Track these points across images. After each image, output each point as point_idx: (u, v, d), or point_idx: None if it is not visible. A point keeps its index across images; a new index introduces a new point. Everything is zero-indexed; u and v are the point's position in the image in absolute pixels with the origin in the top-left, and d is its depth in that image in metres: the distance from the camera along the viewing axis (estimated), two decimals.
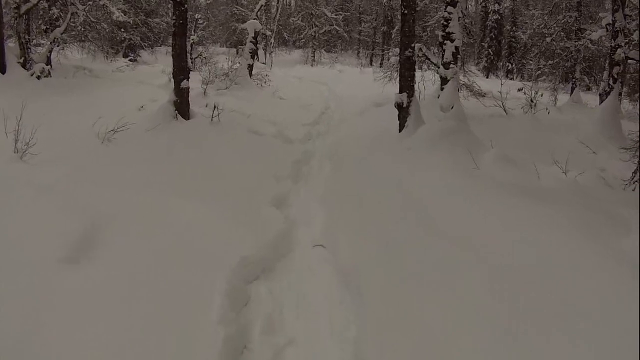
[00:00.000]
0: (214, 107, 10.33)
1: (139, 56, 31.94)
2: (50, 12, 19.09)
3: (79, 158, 7.45)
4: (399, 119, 10.01)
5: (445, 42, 12.21)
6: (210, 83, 16.83)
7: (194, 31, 25.91)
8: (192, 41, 25.13)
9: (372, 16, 50.92)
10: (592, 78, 26.58)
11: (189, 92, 10.97)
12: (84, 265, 4.38)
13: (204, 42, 29.51)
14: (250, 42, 19.30)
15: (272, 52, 36.61)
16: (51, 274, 4.16)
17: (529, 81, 29.28)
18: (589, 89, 27.27)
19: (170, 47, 11.17)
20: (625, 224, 5.16)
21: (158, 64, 27.83)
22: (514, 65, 43.15)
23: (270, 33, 34.53)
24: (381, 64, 43.51)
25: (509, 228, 5.03)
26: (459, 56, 12.55)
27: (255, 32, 19.35)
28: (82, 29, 19.63)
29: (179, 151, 8.42)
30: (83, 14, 18.08)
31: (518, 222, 5.15)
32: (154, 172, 7.11)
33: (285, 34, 48.07)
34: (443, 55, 12.29)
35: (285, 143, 10.99)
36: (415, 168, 7.43)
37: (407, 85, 9.87)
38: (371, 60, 48.17)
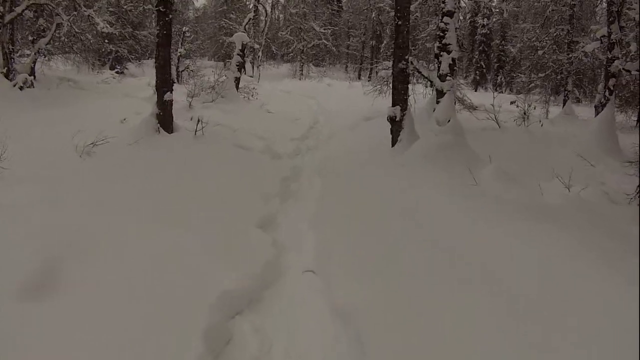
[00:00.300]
0: (198, 120, 9.87)
1: (126, 69, 31.64)
2: (38, 23, 18.73)
3: (53, 174, 6.96)
4: (391, 133, 9.60)
5: (441, 53, 11.80)
6: (196, 96, 16.44)
7: (182, 44, 25.59)
8: (179, 54, 24.82)
9: (361, 31, 50.83)
10: (582, 90, 26.42)
11: (172, 104, 10.54)
12: (41, 304, 3.83)
13: (191, 55, 29.17)
14: (238, 54, 18.80)
15: (260, 65, 36.22)
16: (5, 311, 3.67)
17: (519, 94, 29.15)
18: (579, 101, 27.09)
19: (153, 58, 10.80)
20: (633, 241, 4.86)
21: (145, 76, 27.48)
22: (502, 79, 43.19)
23: (258, 46, 34.19)
24: (369, 78, 43.45)
25: (514, 248, 4.64)
26: (455, 68, 12.17)
27: (242, 45, 18.90)
28: (67, 40, 19.20)
29: (160, 167, 7.93)
30: (67, 24, 17.65)
31: (522, 241, 4.77)
32: (132, 189, 6.61)
33: (273, 47, 47.80)
34: (439, 67, 11.86)
35: (274, 159, 10.54)
36: (410, 185, 6.97)
37: (400, 98, 9.47)
38: (359, 75, 48.07)
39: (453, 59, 11.69)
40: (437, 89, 12.38)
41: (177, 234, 5.26)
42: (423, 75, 16.02)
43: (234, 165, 8.76)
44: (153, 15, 35.72)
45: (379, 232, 5.77)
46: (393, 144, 9.50)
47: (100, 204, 5.85)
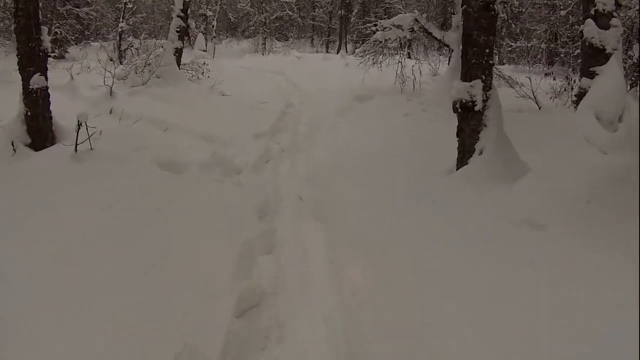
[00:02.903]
0: (78, 126, 5.35)
1: (67, 52, 26.58)
2: None
3: None
4: (459, 135, 5.00)
5: None
6: (123, 78, 11.93)
7: (123, 18, 21.08)
8: (120, 29, 20.63)
9: (328, 0, 46.11)
10: None
11: (48, 96, 6.13)
12: None
13: (138, 32, 24.67)
14: (178, 17, 13.62)
15: (214, 37, 30.96)
16: None
17: (511, 64, 25.30)
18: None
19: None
20: None
21: (88, 59, 22.63)
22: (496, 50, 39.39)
23: (211, 14, 29.19)
24: (338, 50, 39.17)
25: None
26: (622, 3, 7.48)
27: (184, 3, 13.81)
28: None
29: None
30: None
31: None
32: None
33: (230, 15, 42.51)
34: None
35: (226, 178, 6.22)
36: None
37: (482, 64, 4.84)
38: (327, 48, 43.80)
39: None
40: (589, 46, 7.63)
41: None
42: (435, 38, 11.79)
43: (136, 219, 4.04)
44: None
45: None
46: (462, 161, 4.92)
47: None
